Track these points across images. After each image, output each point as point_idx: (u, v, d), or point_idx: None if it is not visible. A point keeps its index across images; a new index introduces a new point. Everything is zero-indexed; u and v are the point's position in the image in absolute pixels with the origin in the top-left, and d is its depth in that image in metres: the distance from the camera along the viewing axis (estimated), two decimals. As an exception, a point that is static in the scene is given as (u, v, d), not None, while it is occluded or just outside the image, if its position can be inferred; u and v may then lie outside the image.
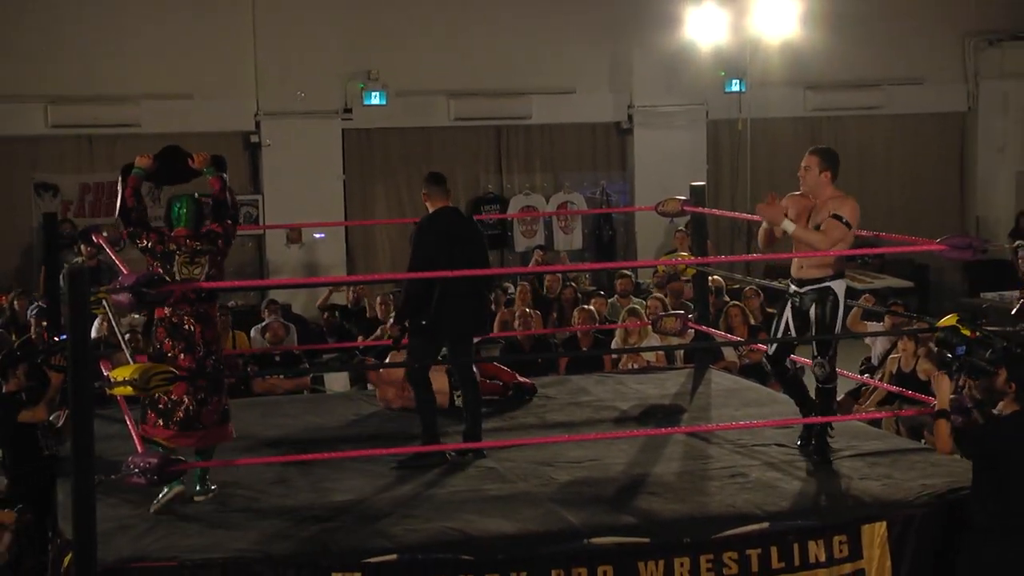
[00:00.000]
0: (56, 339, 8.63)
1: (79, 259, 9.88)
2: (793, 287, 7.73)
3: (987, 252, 7.63)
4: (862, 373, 10.96)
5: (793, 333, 7.77)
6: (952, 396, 6.85)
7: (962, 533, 6.67)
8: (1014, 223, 18.57)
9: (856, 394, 11.18)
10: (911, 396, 8.71)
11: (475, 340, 8.40)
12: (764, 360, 8.09)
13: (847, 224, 7.45)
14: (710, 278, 11.66)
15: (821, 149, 7.77)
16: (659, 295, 13.15)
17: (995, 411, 7.18)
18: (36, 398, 8.50)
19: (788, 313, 7.78)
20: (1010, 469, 6.44)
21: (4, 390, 8.62)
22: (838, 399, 11.15)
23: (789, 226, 7.54)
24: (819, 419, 7.77)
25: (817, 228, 7.52)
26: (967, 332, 7.16)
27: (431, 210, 8.10)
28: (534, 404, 9.37)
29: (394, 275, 7.41)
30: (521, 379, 9.64)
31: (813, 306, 7.60)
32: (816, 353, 7.66)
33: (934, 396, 6.92)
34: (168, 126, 16.92)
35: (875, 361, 11.38)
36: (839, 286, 7.59)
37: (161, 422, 7.06)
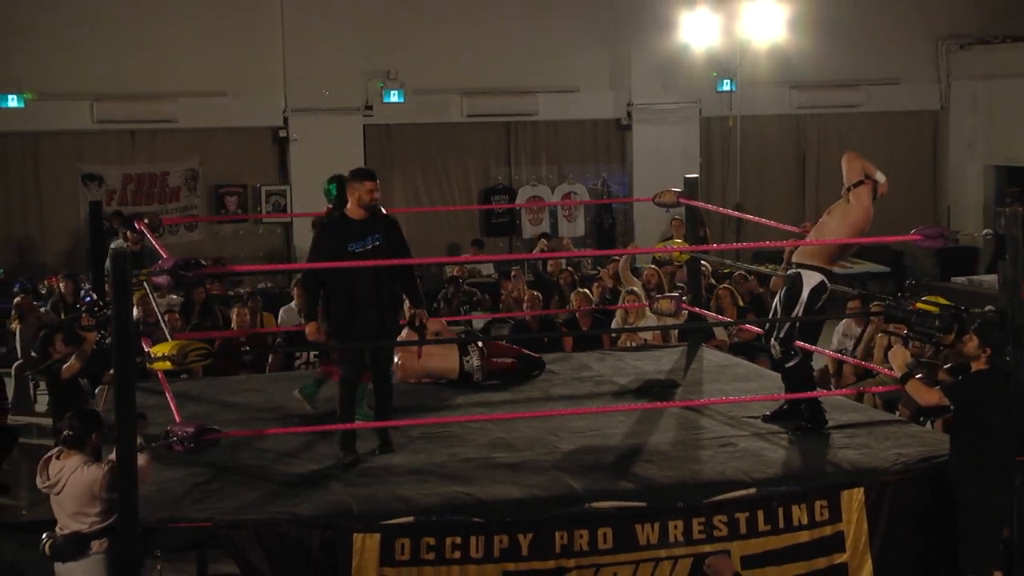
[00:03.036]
0: (82, 303, 8.69)
1: (124, 244, 9.88)
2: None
3: (958, 241, 7.62)
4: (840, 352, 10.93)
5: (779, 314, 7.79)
6: (916, 360, 6.91)
7: (946, 485, 6.76)
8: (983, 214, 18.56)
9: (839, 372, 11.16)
10: (886, 374, 8.70)
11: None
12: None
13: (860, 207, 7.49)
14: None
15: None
16: (654, 266, 13.13)
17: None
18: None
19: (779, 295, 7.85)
20: (987, 416, 6.63)
21: (51, 361, 8.70)
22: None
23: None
24: (795, 395, 7.75)
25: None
26: (909, 305, 7.19)
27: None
28: (540, 379, 9.35)
29: (409, 260, 7.33)
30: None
31: (782, 290, 7.63)
32: (778, 334, 7.69)
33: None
34: (203, 121, 16.99)
35: (840, 345, 11.32)
36: (810, 276, 7.54)
37: None
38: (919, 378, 6.86)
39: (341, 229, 7.32)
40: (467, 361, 9.10)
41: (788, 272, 7.69)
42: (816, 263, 7.58)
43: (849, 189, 7.52)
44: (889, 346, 8.29)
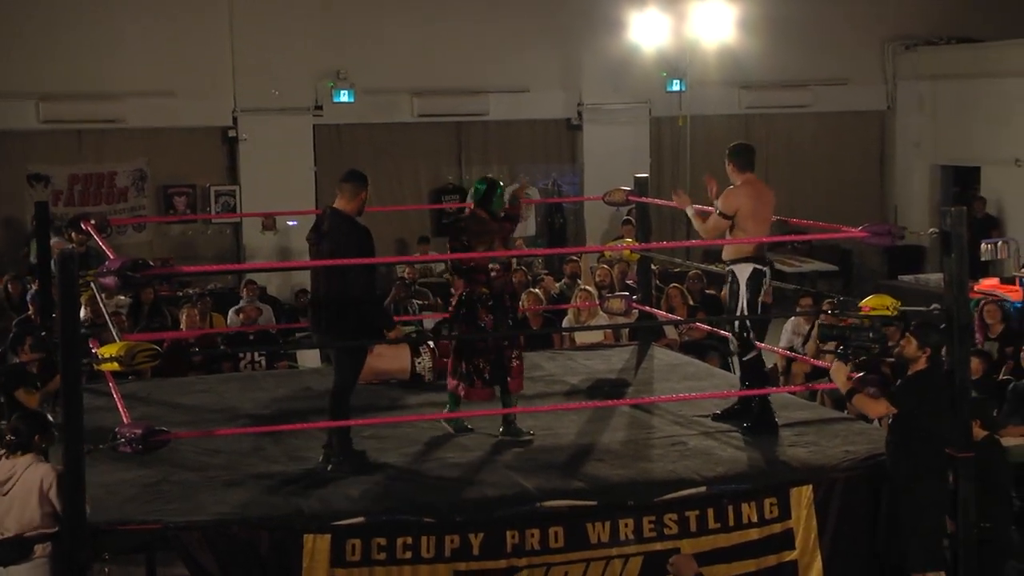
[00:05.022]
0: (32, 303, 8.54)
1: (69, 245, 9.80)
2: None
3: (904, 238, 7.72)
4: (789, 350, 11.01)
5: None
6: (860, 375, 6.97)
7: (891, 484, 6.84)
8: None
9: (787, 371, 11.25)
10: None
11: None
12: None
13: (722, 215, 7.73)
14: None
15: (730, 146, 8.03)
16: (605, 265, 13.17)
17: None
18: (42, 380, 8.45)
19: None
20: (926, 416, 6.74)
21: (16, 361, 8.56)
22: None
23: (690, 211, 8.14)
24: (744, 392, 7.83)
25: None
26: (840, 321, 7.33)
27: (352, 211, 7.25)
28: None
29: (366, 259, 7.28)
30: None
31: (723, 288, 7.81)
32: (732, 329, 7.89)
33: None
34: (151, 121, 16.84)
35: (789, 343, 11.41)
36: (741, 269, 7.71)
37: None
38: (863, 391, 6.92)
39: None
40: (419, 363, 9.10)
41: (725, 270, 7.84)
42: (742, 256, 7.75)
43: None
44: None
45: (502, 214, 7.67)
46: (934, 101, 19.18)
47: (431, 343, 9.22)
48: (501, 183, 7.70)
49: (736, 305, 7.71)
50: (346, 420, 7.21)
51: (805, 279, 17.26)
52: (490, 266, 7.56)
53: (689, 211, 8.12)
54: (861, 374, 6.98)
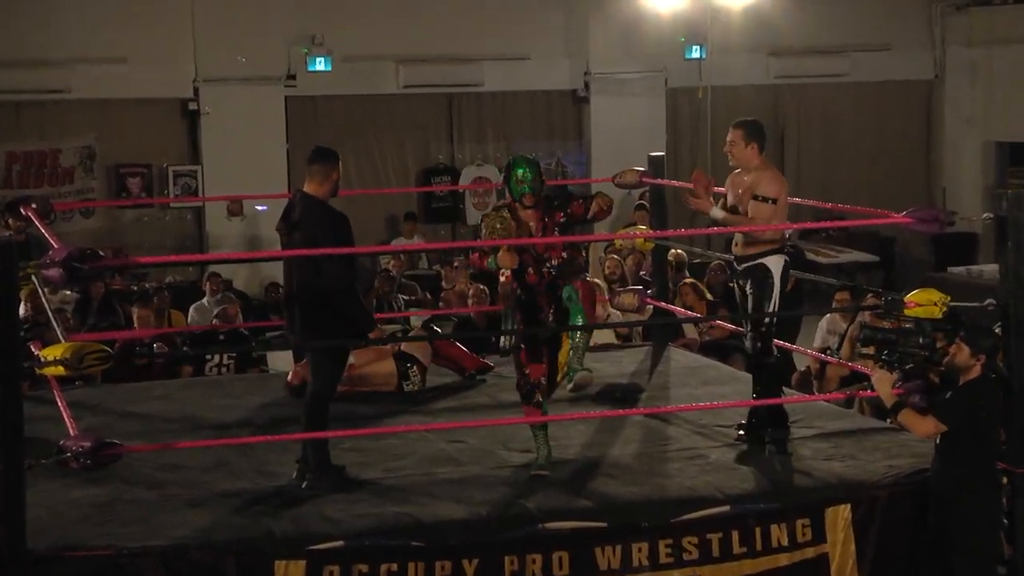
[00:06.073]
0: None
1: (7, 232, 9.79)
2: (735, 265, 7.83)
3: (954, 225, 7.71)
4: (824, 352, 11.02)
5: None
6: (904, 383, 6.94)
7: (937, 498, 6.83)
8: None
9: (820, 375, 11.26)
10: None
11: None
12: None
13: (772, 201, 7.54)
14: (672, 252, 11.74)
15: (744, 121, 7.84)
16: (615, 255, 13.17)
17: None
18: None
19: (736, 293, 7.92)
20: (981, 427, 6.71)
21: None
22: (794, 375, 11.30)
23: (717, 214, 7.69)
24: (773, 400, 7.79)
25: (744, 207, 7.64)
26: (887, 324, 7.26)
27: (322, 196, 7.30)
28: (487, 384, 9.37)
29: (345, 249, 7.27)
30: (474, 363, 9.60)
31: (748, 284, 7.66)
32: (751, 327, 7.74)
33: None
34: (101, 92, 16.80)
35: (824, 343, 11.42)
36: (774, 263, 7.63)
37: None
38: (911, 404, 6.89)
39: None
40: (407, 384, 9.12)
41: (749, 265, 7.69)
42: (772, 248, 7.66)
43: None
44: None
45: (528, 202, 7.42)
46: (988, 69, 19.17)
47: (414, 363, 9.21)
48: (524, 163, 7.52)
49: (769, 304, 7.65)
50: (324, 431, 7.21)
51: (842, 271, 17.30)
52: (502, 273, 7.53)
53: (716, 214, 7.70)
54: (907, 382, 6.94)
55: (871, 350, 7.27)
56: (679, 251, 13.00)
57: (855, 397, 9.32)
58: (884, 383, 6.95)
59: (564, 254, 7.40)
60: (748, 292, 7.68)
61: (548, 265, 7.36)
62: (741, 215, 7.64)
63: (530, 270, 7.35)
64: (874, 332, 7.32)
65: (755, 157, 7.71)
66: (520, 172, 7.39)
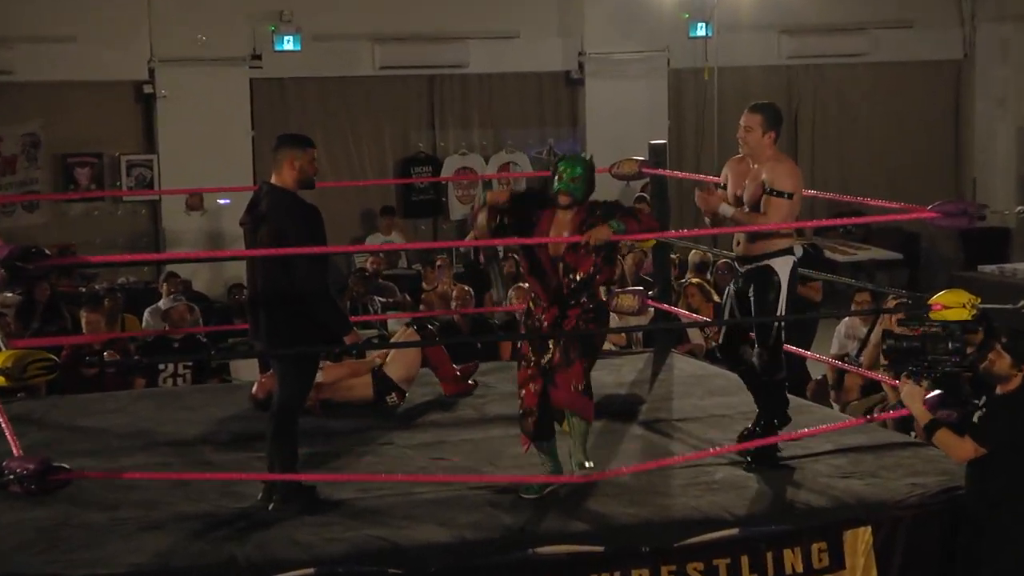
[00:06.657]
0: None
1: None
2: (737, 266, 7.80)
3: (985, 219, 7.72)
4: (842, 359, 11.03)
5: (738, 317, 7.79)
6: (932, 395, 6.84)
7: (969, 516, 6.81)
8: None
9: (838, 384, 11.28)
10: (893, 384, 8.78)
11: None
12: (715, 349, 8.07)
13: (789, 196, 7.50)
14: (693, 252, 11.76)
15: (764, 106, 7.78)
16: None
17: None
18: None
19: (731, 296, 7.82)
20: (1021, 442, 6.62)
21: None
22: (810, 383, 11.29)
23: (727, 210, 7.64)
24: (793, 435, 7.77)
25: (752, 201, 7.58)
26: (913, 331, 7.19)
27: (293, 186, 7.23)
28: (473, 394, 9.38)
29: (317, 248, 7.26)
30: (454, 388, 9.59)
31: (751, 288, 7.61)
32: (756, 342, 7.66)
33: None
34: (46, 74, 16.79)
35: (842, 349, 11.44)
36: (782, 264, 7.59)
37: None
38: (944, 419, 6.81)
39: None
40: (389, 399, 9.14)
41: (753, 267, 7.63)
42: (781, 248, 7.62)
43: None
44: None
45: (563, 201, 7.40)
46: (1022, 48, 19.22)
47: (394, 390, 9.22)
48: (570, 160, 7.47)
49: (775, 309, 7.60)
50: (292, 447, 7.20)
51: (861, 270, 17.33)
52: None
53: (726, 211, 7.64)
54: (935, 393, 6.84)
55: (889, 359, 7.21)
56: (703, 251, 12.97)
57: (877, 421, 9.25)
58: (915, 399, 6.83)
59: (594, 265, 7.32)
60: (750, 297, 7.63)
61: (571, 276, 7.32)
62: (752, 212, 7.56)
63: (542, 303, 7.36)
64: (898, 341, 7.11)
65: (770, 147, 7.67)
66: (561, 166, 7.41)
